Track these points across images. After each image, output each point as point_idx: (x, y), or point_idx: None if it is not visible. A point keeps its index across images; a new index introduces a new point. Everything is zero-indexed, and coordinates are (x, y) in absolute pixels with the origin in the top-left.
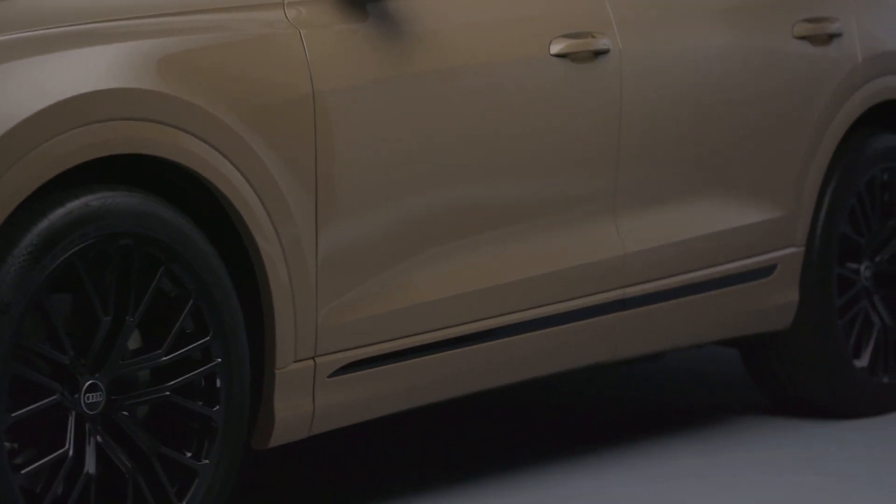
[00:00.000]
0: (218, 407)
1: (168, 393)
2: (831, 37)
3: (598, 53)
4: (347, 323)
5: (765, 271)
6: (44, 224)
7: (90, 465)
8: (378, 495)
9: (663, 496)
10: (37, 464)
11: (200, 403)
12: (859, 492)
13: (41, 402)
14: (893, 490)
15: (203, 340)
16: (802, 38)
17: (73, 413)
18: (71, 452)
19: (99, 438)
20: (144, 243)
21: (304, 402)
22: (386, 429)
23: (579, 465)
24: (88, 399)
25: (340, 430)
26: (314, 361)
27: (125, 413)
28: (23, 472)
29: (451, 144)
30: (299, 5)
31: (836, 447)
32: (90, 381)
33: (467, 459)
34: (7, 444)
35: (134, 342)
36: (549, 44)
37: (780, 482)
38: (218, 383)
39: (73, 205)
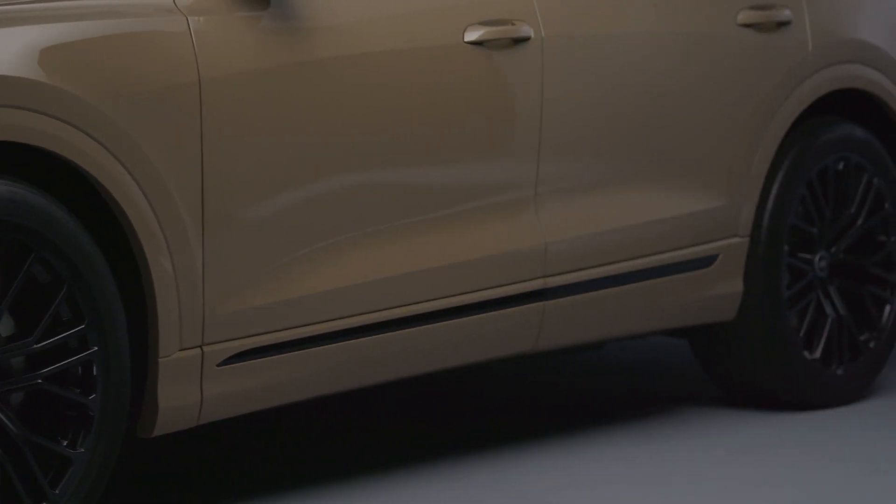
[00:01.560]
0: (94, 395)
1: (40, 381)
2: (780, 25)
3: (518, 41)
4: (238, 312)
5: (705, 261)
6: None
7: None
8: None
9: (593, 484)
10: None
11: (78, 391)
12: (778, 485)
13: None
14: (820, 483)
15: (77, 328)
16: (747, 25)
17: None
18: None
19: None
20: (13, 230)
21: (190, 391)
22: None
23: (520, 455)
24: None
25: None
26: (202, 350)
27: None
28: None
29: (353, 133)
30: None
31: (775, 438)
32: None
33: (409, 448)
34: None
35: (7, 329)
36: (464, 31)
37: (709, 474)
38: (95, 371)
39: None
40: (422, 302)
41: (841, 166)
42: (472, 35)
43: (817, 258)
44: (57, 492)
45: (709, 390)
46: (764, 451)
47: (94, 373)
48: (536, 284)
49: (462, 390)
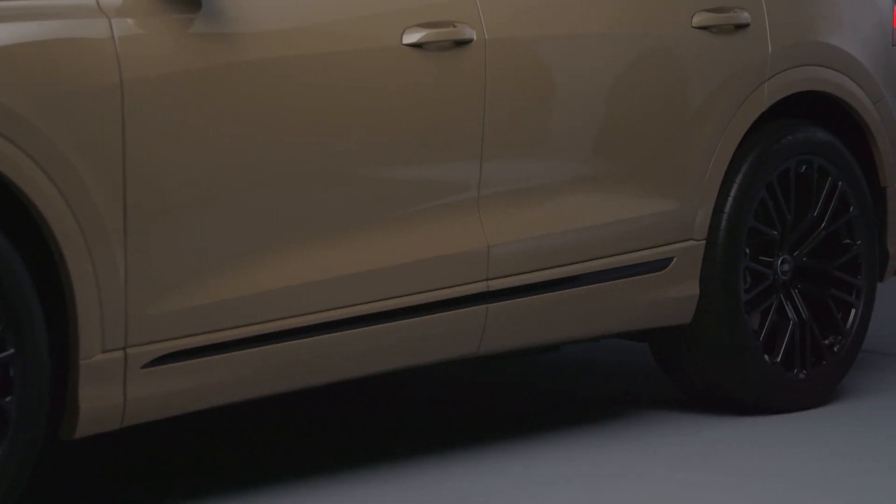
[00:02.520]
0: (10, 397)
1: None
2: (738, 27)
3: (460, 43)
4: (164, 313)
5: (659, 264)
6: None
7: None
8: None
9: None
10: None
11: None
12: (725, 488)
13: None
14: (765, 489)
15: None
16: (703, 28)
17: None
18: None
19: None
20: None
21: (113, 393)
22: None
23: (476, 457)
24: None
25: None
26: (125, 352)
27: None
28: None
29: (288, 135)
30: None
31: (730, 442)
32: None
33: (362, 451)
34: None
35: None
36: (402, 34)
37: (657, 478)
38: (12, 373)
39: None
40: (361, 304)
41: (803, 169)
42: (411, 37)
43: (779, 262)
44: None
45: (671, 393)
46: (716, 455)
47: (11, 374)
48: (479, 287)
49: (415, 391)
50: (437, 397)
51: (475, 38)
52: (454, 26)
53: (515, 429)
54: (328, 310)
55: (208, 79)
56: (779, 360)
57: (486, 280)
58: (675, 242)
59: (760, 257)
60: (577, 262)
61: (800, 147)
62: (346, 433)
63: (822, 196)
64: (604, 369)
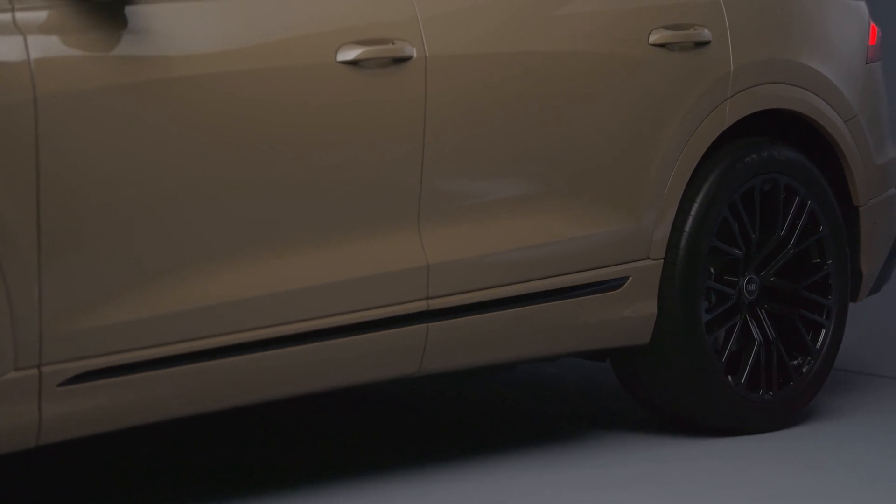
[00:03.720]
0: None
1: None
2: (698, 44)
3: (399, 60)
4: (82, 331)
5: (613, 283)
6: None
7: None
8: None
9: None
10: None
11: None
12: None
13: None
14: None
15: None
16: (661, 45)
17: None
18: None
19: None
20: None
21: (27, 412)
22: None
23: (434, 472)
24: None
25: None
26: (39, 370)
27: None
28: None
29: (211, 153)
30: (33, 10)
31: (693, 461)
32: None
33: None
34: None
35: None
36: (337, 51)
37: (602, 499)
38: None
39: None
40: (293, 322)
41: (768, 188)
42: (345, 55)
43: (745, 282)
44: None
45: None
46: (673, 474)
47: None
48: (419, 306)
49: (370, 404)
50: (387, 414)
51: (415, 55)
52: (393, 43)
53: (494, 446)
54: (256, 328)
55: (130, 96)
56: (743, 381)
57: (427, 299)
58: (630, 261)
59: (726, 277)
60: (522, 282)
61: (765, 165)
62: (331, 445)
63: (790, 215)
64: (574, 387)
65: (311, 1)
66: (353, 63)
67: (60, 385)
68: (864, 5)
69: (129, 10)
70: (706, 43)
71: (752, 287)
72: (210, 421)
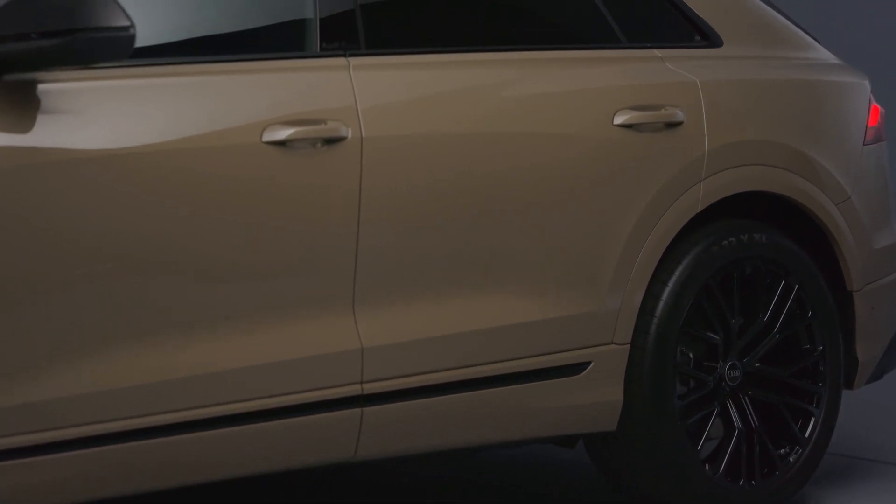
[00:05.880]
0: None
1: None
2: (669, 125)
3: (331, 141)
4: None
5: (573, 369)
6: None
7: None
8: None
9: None
10: None
11: None
12: None
13: None
14: None
15: None
16: (626, 126)
17: None
18: None
19: None
20: None
21: None
22: None
23: None
24: None
25: None
26: None
27: None
28: None
29: (127, 233)
30: None
31: None
32: None
33: None
34: None
35: None
36: (262, 131)
37: None
38: None
39: None
40: (220, 405)
41: (749, 271)
42: (272, 135)
43: (726, 367)
44: None
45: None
46: None
47: None
48: (353, 390)
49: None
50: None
51: (350, 135)
52: (325, 123)
53: None
54: (184, 409)
55: (45, 176)
56: (721, 470)
57: (361, 383)
58: (592, 346)
59: (706, 363)
60: (467, 366)
61: (744, 249)
62: None
63: (774, 299)
64: (558, 466)
65: (238, 81)
66: (279, 144)
67: None
68: (865, 85)
69: (41, 89)
70: (678, 124)
71: (736, 373)
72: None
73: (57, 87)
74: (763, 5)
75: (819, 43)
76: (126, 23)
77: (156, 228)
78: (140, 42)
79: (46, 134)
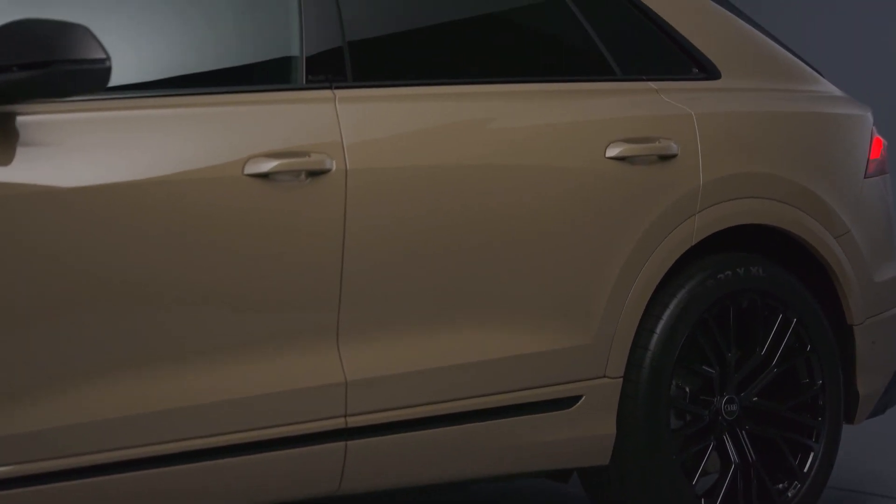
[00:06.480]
0: None
1: None
2: (663, 158)
3: (315, 173)
4: None
5: (563, 402)
6: None
7: None
8: None
9: None
10: None
11: None
12: None
13: None
14: None
15: None
16: (619, 159)
17: None
18: None
19: None
20: None
21: None
22: None
23: None
24: None
25: None
26: None
27: None
28: None
29: (112, 265)
30: None
31: None
32: None
33: None
34: None
35: None
36: (245, 163)
37: None
38: None
39: None
40: (207, 437)
41: (746, 305)
42: (255, 167)
43: (723, 401)
44: None
45: None
46: None
47: None
48: (337, 423)
49: None
50: None
51: (334, 168)
52: (308, 156)
53: None
54: (167, 442)
55: (25, 205)
56: None
57: (345, 416)
58: (582, 380)
59: (703, 396)
60: (453, 400)
61: (741, 282)
62: None
63: (772, 333)
64: (552, 498)
65: (222, 113)
66: (262, 176)
67: None
68: (868, 117)
69: (19, 121)
70: (672, 156)
71: (733, 407)
72: None
73: (37, 119)
74: (764, 37)
75: (823, 76)
76: (102, 55)
77: (136, 261)
78: (126, 75)
79: (25, 166)
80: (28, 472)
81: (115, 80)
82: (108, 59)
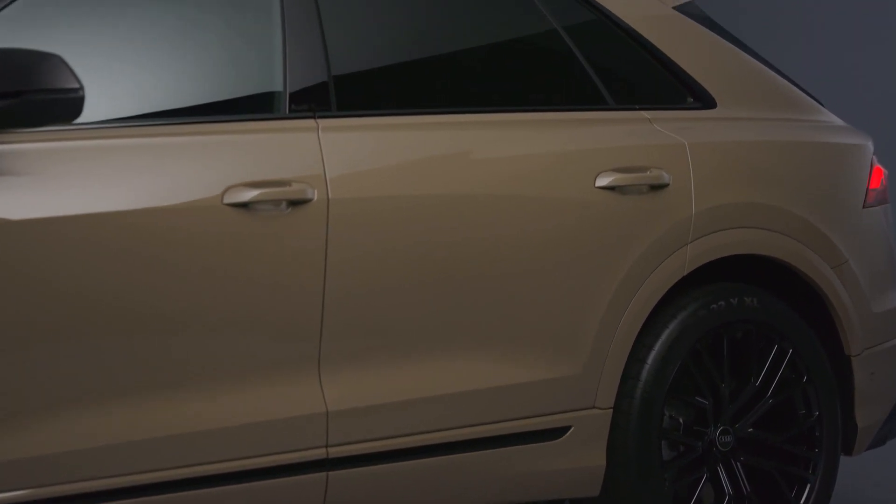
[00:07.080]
0: None
1: None
2: (654, 188)
3: (295, 203)
4: None
5: (551, 433)
6: None
7: None
8: None
9: None
10: None
11: None
12: None
13: None
14: None
15: None
16: (609, 188)
17: None
18: None
19: None
20: None
21: None
22: None
23: None
24: None
25: None
26: None
27: None
28: None
29: (88, 294)
30: None
31: None
32: None
33: None
34: None
35: None
36: (224, 193)
37: None
38: None
39: None
40: (186, 466)
41: (740, 335)
42: (234, 197)
43: (717, 432)
44: None
45: None
46: None
47: None
48: (318, 454)
49: None
50: None
51: (315, 197)
52: (290, 185)
53: None
54: (147, 471)
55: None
56: None
57: (326, 447)
58: (571, 410)
59: (696, 427)
60: (436, 431)
61: (734, 312)
62: None
63: (766, 364)
64: None
65: (203, 142)
66: (241, 205)
67: None
68: (868, 147)
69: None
70: (664, 186)
71: (727, 438)
72: None
73: (11, 149)
74: (762, 67)
75: (823, 105)
76: (76, 84)
77: (113, 290)
78: (111, 107)
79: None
80: (18, 500)
81: (99, 112)
82: (82, 87)
